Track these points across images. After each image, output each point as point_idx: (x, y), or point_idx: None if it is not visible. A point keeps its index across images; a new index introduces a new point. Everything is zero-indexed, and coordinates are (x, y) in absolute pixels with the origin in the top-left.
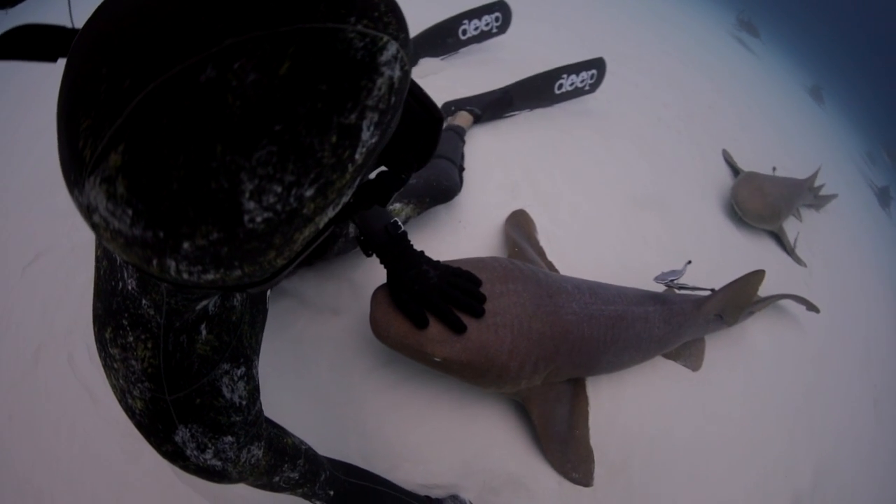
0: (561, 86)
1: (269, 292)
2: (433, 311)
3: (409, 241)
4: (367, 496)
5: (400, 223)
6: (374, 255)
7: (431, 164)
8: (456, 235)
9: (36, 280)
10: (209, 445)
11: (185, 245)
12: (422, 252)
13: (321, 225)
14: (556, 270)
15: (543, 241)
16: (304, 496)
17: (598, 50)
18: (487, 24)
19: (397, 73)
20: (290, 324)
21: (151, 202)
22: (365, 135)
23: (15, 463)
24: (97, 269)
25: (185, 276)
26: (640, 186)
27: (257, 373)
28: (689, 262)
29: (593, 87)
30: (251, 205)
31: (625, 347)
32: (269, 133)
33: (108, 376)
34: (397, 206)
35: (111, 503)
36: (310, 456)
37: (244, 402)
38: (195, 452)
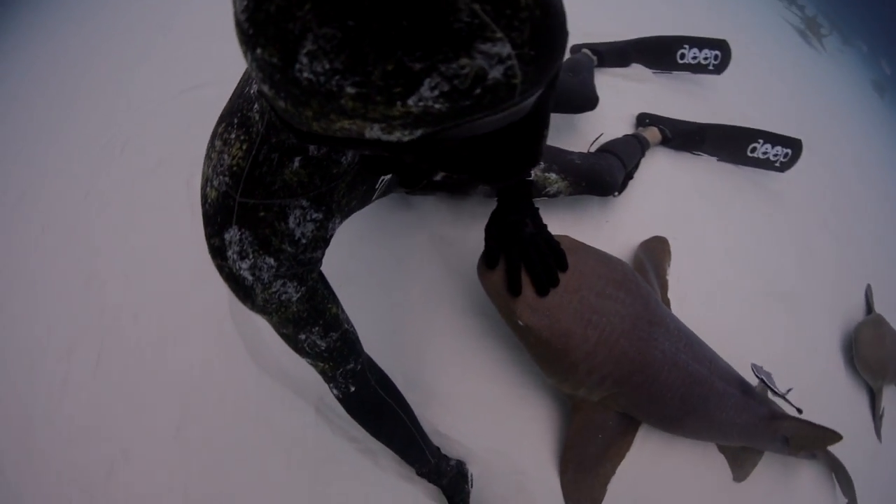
0: (754, 149)
1: (380, 181)
2: (506, 258)
3: (531, 191)
4: (383, 412)
5: (533, 170)
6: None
7: (602, 156)
8: (596, 231)
9: (189, 104)
10: (249, 256)
11: (258, 51)
12: (537, 208)
13: (366, 134)
14: (668, 306)
15: (672, 278)
16: (323, 375)
17: (799, 130)
18: (706, 59)
19: (495, 74)
20: (406, 235)
21: (257, 8)
22: (425, 90)
23: (95, 235)
24: (241, 78)
25: (254, 74)
26: (781, 279)
27: (333, 230)
28: (791, 389)
29: (783, 166)
30: (304, 60)
31: (688, 412)
32: (341, 22)
33: (204, 164)
34: (553, 176)
35: (153, 308)
36: (348, 338)
37: (304, 241)
38: (235, 257)
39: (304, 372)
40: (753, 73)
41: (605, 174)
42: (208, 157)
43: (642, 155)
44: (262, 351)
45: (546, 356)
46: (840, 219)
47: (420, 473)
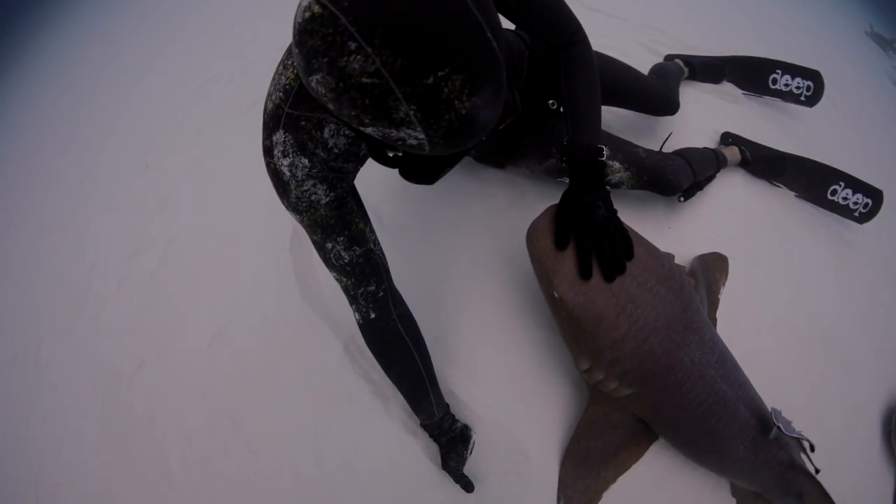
0: (835, 192)
1: None
2: (578, 241)
3: (604, 173)
4: (398, 347)
5: (605, 152)
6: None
7: (670, 156)
8: (656, 235)
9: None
10: (289, 155)
11: (295, 50)
12: (608, 191)
13: (342, 120)
14: (714, 325)
15: (724, 298)
16: (346, 293)
17: (883, 184)
18: (798, 88)
19: (412, 142)
20: (466, 203)
21: (302, 33)
22: (368, 129)
23: (179, 159)
24: None
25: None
26: (835, 330)
27: (367, 149)
28: (818, 471)
29: (862, 217)
30: (314, 80)
31: (704, 434)
32: (336, 80)
33: (269, 85)
34: (617, 165)
35: (219, 230)
36: (372, 258)
37: (336, 151)
38: (279, 155)
39: (343, 311)
40: (845, 113)
41: (669, 172)
42: (273, 78)
43: (717, 170)
44: (309, 283)
45: (574, 335)
46: None
47: (423, 425)
